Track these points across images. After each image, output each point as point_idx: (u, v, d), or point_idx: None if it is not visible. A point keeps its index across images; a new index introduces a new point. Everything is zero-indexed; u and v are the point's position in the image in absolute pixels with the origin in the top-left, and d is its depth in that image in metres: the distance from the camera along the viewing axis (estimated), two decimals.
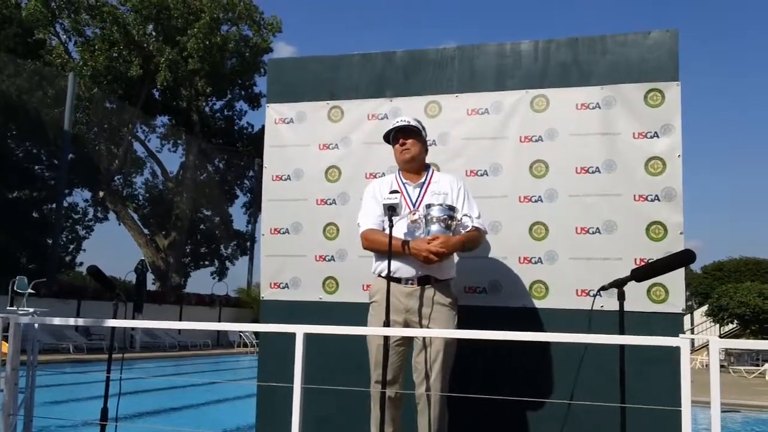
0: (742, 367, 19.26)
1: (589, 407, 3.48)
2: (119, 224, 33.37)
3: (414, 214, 3.57)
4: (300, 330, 2.90)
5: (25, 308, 14.27)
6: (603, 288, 3.34)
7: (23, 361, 3.49)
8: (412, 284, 3.54)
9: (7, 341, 3.37)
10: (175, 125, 34.79)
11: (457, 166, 4.31)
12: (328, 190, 4.57)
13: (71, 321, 4.44)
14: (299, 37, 79.81)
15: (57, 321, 3.92)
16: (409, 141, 3.72)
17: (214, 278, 36.95)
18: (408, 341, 3.58)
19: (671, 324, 3.87)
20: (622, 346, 3.08)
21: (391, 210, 3.41)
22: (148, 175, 35.74)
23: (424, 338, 3.50)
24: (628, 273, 3.31)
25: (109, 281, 3.94)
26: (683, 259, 3.41)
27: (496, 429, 4.03)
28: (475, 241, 3.66)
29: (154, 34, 30.59)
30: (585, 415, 3.74)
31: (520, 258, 4.18)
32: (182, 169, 34.77)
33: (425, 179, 3.76)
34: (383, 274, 3.56)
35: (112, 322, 3.51)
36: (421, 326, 3.51)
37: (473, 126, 4.37)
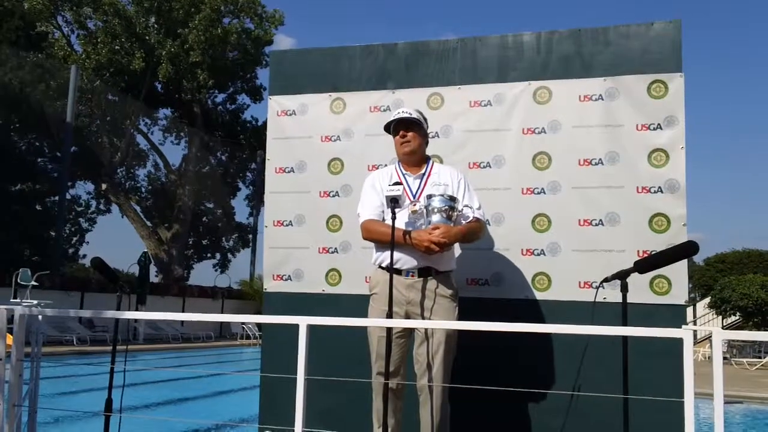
0: (744, 359, 19.27)
1: (591, 399, 3.49)
2: (122, 216, 33.42)
3: (415, 204, 3.57)
4: (303, 321, 2.90)
5: (29, 300, 14.32)
6: (606, 280, 3.34)
7: (27, 353, 3.51)
8: (413, 276, 3.54)
9: (11, 333, 3.38)
10: (178, 118, 34.78)
11: (460, 159, 4.31)
12: (331, 182, 4.57)
13: (75, 313, 4.46)
14: (299, 28, 79.80)
15: (61, 313, 3.93)
16: (410, 134, 3.70)
17: (216, 270, 37.08)
18: (409, 333, 3.58)
19: (674, 316, 3.88)
20: (625, 338, 3.08)
21: (393, 201, 3.41)
22: (151, 167, 35.81)
23: (425, 330, 3.51)
24: (630, 265, 3.30)
25: (113, 273, 3.94)
26: (686, 250, 3.40)
27: (498, 420, 4.04)
28: (476, 232, 3.66)
29: (155, 26, 30.53)
30: (588, 406, 3.75)
31: (522, 250, 4.18)
32: (184, 161, 34.77)
33: (425, 170, 3.75)
34: (383, 265, 3.56)
35: (115, 314, 3.52)
36: (423, 318, 3.51)
37: (476, 118, 4.36)
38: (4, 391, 3.33)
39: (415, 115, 3.71)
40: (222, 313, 28.22)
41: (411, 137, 3.70)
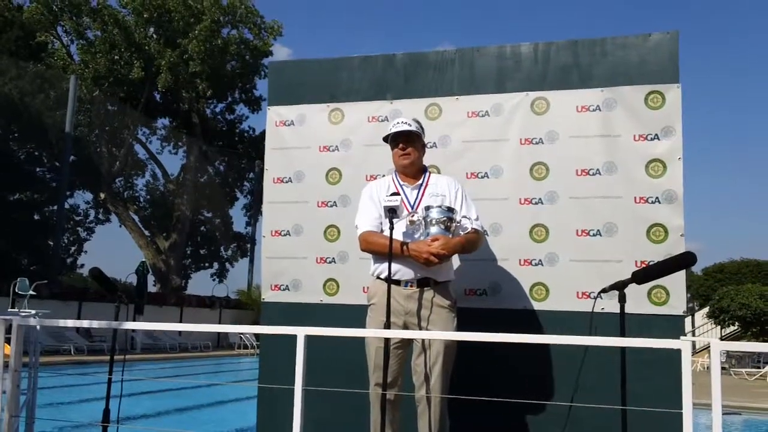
0: (743, 369, 19.23)
1: (589, 409, 3.48)
2: (120, 226, 33.42)
3: (413, 215, 3.57)
4: (301, 332, 2.90)
5: (27, 310, 14.28)
6: (604, 290, 3.34)
7: (25, 362, 3.50)
8: (411, 286, 3.53)
9: (9, 343, 3.37)
10: (176, 127, 34.83)
11: (458, 169, 4.31)
12: (329, 192, 4.57)
13: (73, 323, 4.43)
14: (296, 39, 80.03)
15: (60, 323, 3.92)
16: (410, 147, 3.71)
17: (214, 280, 37.03)
18: (407, 344, 3.57)
19: (672, 326, 3.87)
20: (623, 349, 3.07)
21: (391, 212, 3.41)
22: (149, 177, 35.84)
23: (423, 340, 3.50)
24: (628, 275, 3.31)
25: (111, 283, 3.94)
26: (684, 261, 3.40)
27: (496, 431, 4.03)
28: (474, 242, 3.66)
29: (155, 36, 30.61)
30: (586, 417, 3.74)
31: (520, 260, 4.18)
32: (183, 171, 34.81)
33: (423, 181, 3.75)
34: (382, 276, 3.55)
35: (114, 324, 3.51)
36: (421, 329, 3.51)
37: (474, 128, 4.37)
38: (1, 401, 3.32)
39: (414, 126, 3.71)
40: (220, 322, 28.16)
41: (410, 150, 3.71)
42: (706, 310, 27.86)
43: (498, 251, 4.22)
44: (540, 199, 4.20)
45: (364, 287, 4.09)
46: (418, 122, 3.79)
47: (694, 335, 26.77)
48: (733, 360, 20.61)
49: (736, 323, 25.38)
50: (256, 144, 34.05)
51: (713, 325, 27.19)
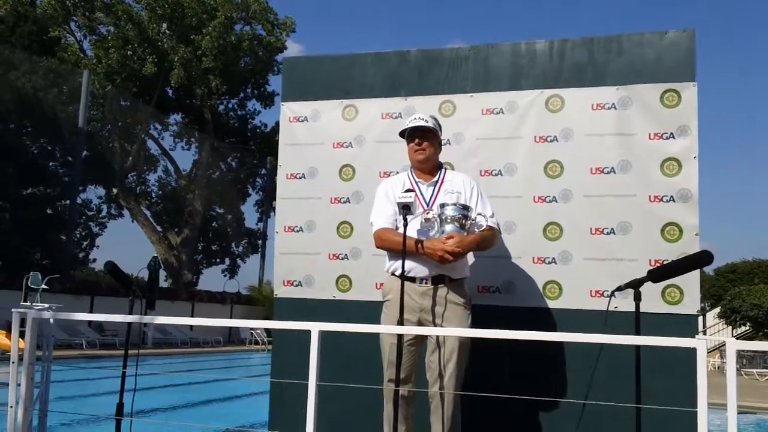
0: (754, 370, 19.12)
1: (604, 408, 3.47)
2: (132, 221, 33.58)
3: (428, 213, 3.56)
4: (315, 327, 2.91)
5: (40, 304, 14.37)
6: (619, 288, 3.33)
7: (38, 356, 3.52)
8: (426, 283, 3.53)
9: (23, 337, 3.40)
10: (189, 123, 34.94)
11: (472, 166, 4.31)
12: (342, 188, 4.58)
13: (88, 317, 4.47)
14: (307, 35, 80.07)
15: (74, 317, 3.95)
16: (425, 143, 3.70)
17: (225, 276, 37.16)
18: (421, 340, 3.58)
19: (686, 325, 3.86)
20: (638, 347, 3.06)
21: (405, 209, 3.41)
22: (161, 172, 35.98)
23: (437, 337, 3.50)
24: (642, 274, 3.29)
25: (126, 278, 3.95)
26: (701, 260, 3.38)
27: (509, 429, 4.03)
28: (489, 240, 3.65)
29: (168, 32, 30.71)
30: (600, 415, 3.73)
31: (534, 258, 4.17)
32: (195, 166, 34.92)
33: (438, 178, 3.75)
34: (397, 273, 3.55)
35: (129, 318, 3.53)
36: (435, 325, 3.51)
37: (488, 126, 4.36)
38: (15, 394, 3.35)
39: (431, 123, 3.71)
40: (231, 318, 28.25)
41: (426, 146, 3.70)
42: (717, 310, 27.71)
43: (511, 249, 4.22)
44: (554, 197, 4.19)
45: (376, 284, 4.09)
46: (435, 119, 3.78)
47: (705, 335, 26.62)
48: (744, 360, 20.49)
49: (748, 323, 25.23)
50: (268, 140, 34.10)
51: (724, 326, 27.05)
